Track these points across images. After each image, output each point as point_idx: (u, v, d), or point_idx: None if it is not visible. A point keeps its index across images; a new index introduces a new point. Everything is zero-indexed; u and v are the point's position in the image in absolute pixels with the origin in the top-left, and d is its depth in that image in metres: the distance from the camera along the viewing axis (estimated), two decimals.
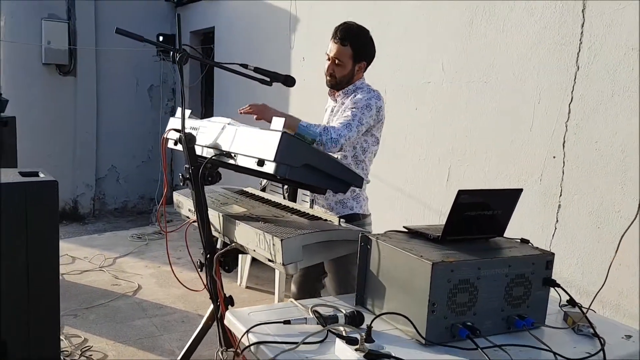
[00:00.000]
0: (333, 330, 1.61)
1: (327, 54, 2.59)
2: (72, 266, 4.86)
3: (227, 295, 2.46)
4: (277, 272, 4.11)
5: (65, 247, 5.42)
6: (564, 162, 2.75)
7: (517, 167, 2.99)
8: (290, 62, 4.91)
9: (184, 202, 2.72)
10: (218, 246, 2.47)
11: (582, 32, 2.66)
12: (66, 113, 7.26)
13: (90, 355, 3.19)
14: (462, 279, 1.63)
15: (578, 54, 2.68)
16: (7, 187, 1.61)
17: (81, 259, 5.06)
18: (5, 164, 4.03)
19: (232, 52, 6.25)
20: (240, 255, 2.66)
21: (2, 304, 1.55)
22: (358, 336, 1.49)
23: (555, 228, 2.80)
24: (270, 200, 2.73)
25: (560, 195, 2.77)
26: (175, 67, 7.59)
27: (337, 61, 2.55)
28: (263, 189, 4.13)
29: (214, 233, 2.47)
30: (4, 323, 1.56)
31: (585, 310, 1.85)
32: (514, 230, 2.92)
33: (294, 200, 2.79)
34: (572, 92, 2.71)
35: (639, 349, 1.75)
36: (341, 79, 2.59)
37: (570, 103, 2.72)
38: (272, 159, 1.95)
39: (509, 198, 1.87)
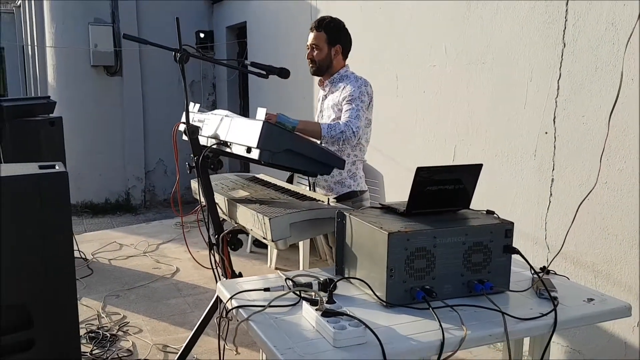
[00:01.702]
0: (302, 295, 1.82)
1: (307, 45, 2.86)
2: (118, 252, 5.28)
3: (237, 272, 2.72)
4: (300, 254, 4.34)
5: (115, 236, 5.88)
6: (555, 137, 2.84)
7: (513, 144, 3.08)
8: None
9: (197, 188, 2.99)
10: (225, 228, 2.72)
11: (566, 10, 2.72)
12: (115, 111, 7.74)
13: (127, 330, 3.54)
14: (419, 247, 1.81)
15: (564, 31, 2.75)
16: (22, 178, 1.91)
17: (127, 246, 5.47)
18: (53, 160, 4.39)
19: (263, 45, 6.50)
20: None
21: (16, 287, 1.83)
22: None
23: (550, 201, 2.89)
24: (275, 184, 2.95)
25: (553, 169, 2.86)
26: (213, 64, 7.93)
27: (314, 46, 2.82)
28: (290, 180, 4.35)
29: (222, 215, 2.72)
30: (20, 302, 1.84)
31: (541, 275, 1.98)
32: (511, 205, 3.04)
33: (314, 189, 3.01)
34: (560, 68, 2.78)
35: (598, 311, 1.86)
36: (320, 62, 2.84)
37: (558, 79, 2.79)
38: (256, 146, 2.17)
39: (469, 172, 2.00)
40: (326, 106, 2.87)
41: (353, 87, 2.73)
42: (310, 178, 2.98)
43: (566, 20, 2.73)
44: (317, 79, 2.96)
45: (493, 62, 3.19)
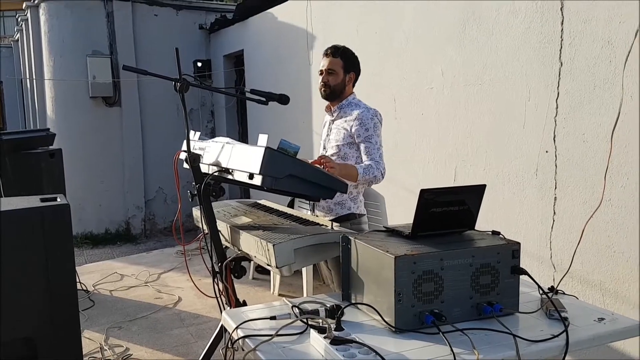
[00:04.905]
0: (309, 322, 1.79)
1: (321, 69, 2.89)
2: (120, 283, 5.24)
3: (241, 300, 2.69)
4: (304, 279, 4.31)
5: (115, 266, 5.84)
6: (556, 156, 2.84)
7: (514, 163, 3.08)
8: (310, 77, 5.13)
9: (199, 215, 2.97)
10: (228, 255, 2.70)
11: (562, 30, 2.75)
12: (114, 141, 7.75)
13: None
14: (426, 270, 1.78)
15: (560, 50, 2.77)
16: (26, 211, 1.89)
17: (129, 276, 5.43)
18: (54, 191, 4.39)
19: (260, 72, 6.55)
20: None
21: (23, 316, 1.81)
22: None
23: (554, 220, 2.88)
24: (277, 210, 2.94)
25: (556, 188, 2.85)
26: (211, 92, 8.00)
27: (330, 71, 2.86)
28: (291, 205, 4.34)
29: (224, 243, 2.70)
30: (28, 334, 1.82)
31: (550, 295, 1.96)
32: (514, 225, 3.03)
33: (313, 210, 3.02)
34: (557, 87, 2.80)
35: (610, 330, 1.84)
36: (334, 87, 2.88)
37: (557, 98, 2.81)
38: (258, 172, 2.16)
39: (473, 193, 1.99)
40: (334, 130, 2.90)
41: (367, 117, 2.79)
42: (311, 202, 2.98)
43: (562, 40, 2.76)
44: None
45: (490, 82, 3.21)
